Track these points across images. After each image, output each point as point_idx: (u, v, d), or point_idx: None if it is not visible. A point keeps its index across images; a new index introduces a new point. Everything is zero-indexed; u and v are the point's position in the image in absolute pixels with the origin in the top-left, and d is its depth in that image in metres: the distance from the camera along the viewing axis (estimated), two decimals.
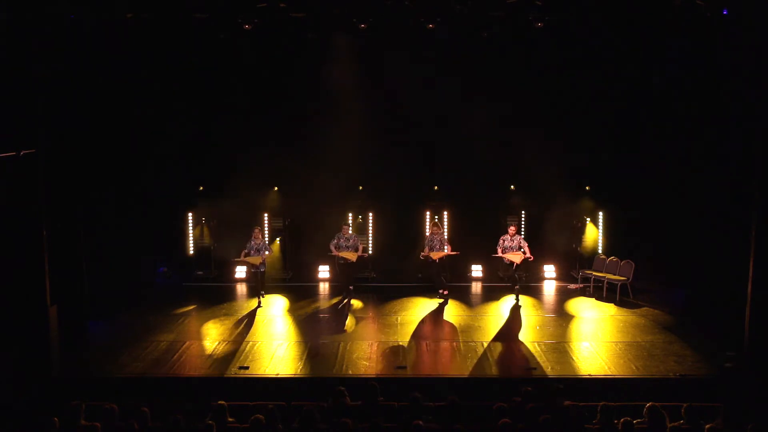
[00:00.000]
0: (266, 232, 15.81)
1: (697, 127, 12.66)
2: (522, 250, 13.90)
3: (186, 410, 8.07)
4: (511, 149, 15.35)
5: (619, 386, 10.00)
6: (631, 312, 13.49)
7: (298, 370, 10.58)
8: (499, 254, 14.09)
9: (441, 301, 14.10)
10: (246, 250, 14.00)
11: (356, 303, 14.17)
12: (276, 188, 16.21)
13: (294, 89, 15.45)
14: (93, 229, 12.64)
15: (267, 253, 14.11)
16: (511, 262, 14.00)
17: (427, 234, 14.65)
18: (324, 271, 15.83)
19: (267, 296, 14.44)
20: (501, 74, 14.98)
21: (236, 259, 14.54)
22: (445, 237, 14.79)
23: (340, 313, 13.56)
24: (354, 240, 14.50)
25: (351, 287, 14.50)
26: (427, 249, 14.21)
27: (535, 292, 15.02)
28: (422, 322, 12.98)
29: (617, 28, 13.17)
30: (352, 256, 14.28)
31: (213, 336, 12.14)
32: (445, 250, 14.19)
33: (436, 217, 15.90)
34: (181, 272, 15.98)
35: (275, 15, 12.33)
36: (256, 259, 13.88)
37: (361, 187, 16.23)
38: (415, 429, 7.53)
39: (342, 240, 14.34)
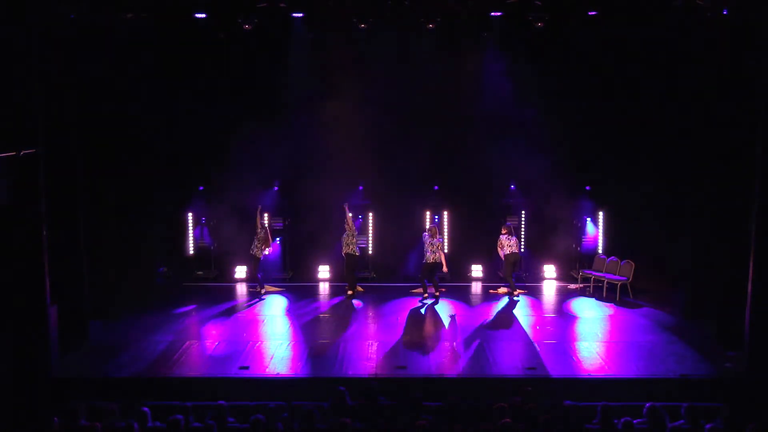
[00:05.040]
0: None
1: (697, 127, 12.64)
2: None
3: (186, 410, 8.06)
4: (512, 149, 15.33)
5: (619, 386, 9.99)
6: (631, 312, 13.49)
7: (298, 370, 10.58)
8: (500, 250, 14.38)
9: (429, 300, 14.14)
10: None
11: (356, 303, 14.18)
12: (276, 188, 16.20)
13: (294, 89, 15.43)
14: (93, 228, 12.63)
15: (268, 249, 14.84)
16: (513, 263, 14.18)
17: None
18: (324, 271, 15.82)
19: (268, 297, 14.56)
20: (501, 73, 14.99)
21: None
22: (431, 243, 14.09)
23: (340, 313, 13.56)
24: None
25: (350, 291, 14.49)
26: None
27: (535, 292, 15.02)
28: (422, 322, 12.98)
29: (617, 27, 13.18)
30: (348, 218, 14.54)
31: (213, 336, 12.13)
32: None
33: (436, 217, 15.92)
34: (181, 272, 15.97)
35: (275, 15, 12.34)
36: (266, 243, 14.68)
37: (361, 187, 16.22)
38: (415, 429, 7.53)
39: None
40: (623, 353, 11.24)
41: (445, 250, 14.96)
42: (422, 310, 13.64)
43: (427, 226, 14.89)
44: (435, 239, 14.06)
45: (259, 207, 14.84)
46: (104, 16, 11.75)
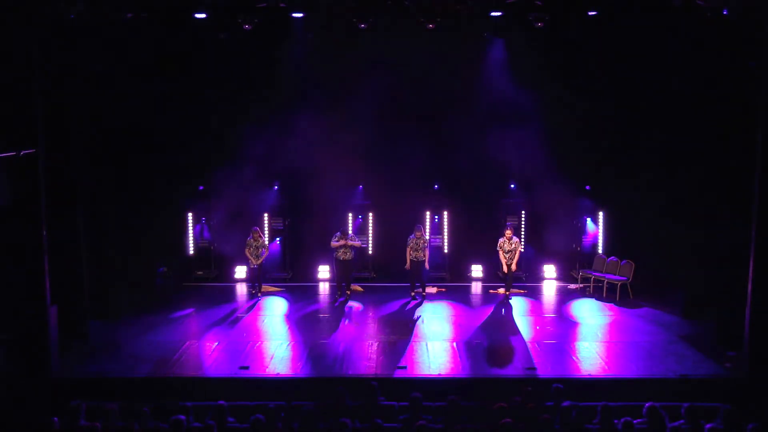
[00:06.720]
0: (266, 232, 15.80)
1: (697, 126, 12.63)
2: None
3: (186, 410, 8.06)
4: (512, 149, 15.33)
5: (619, 386, 9.99)
6: (631, 312, 13.50)
7: (298, 370, 10.58)
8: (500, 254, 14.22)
9: (416, 298, 14.29)
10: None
11: (356, 303, 14.18)
12: (276, 188, 16.20)
13: (294, 89, 15.43)
14: (93, 229, 12.63)
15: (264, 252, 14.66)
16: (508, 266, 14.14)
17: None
18: (324, 271, 15.82)
19: (267, 297, 14.58)
20: (501, 74, 14.99)
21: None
22: (420, 243, 14.30)
23: (340, 313, 13.56)
24: (355, 238, 14.67)
25: (348, 292, 14.49)
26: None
27: (535, 292, 15.02)
28: (422, 321, 12.97)
29: (616, 27, 13.17)
30: (356, 244, 14.48)
31: (213, 336, 12.13)
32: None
33: (436, 217, 15.92)
34: (181, 272, 15.96)
35: (275, 15, 12.33)
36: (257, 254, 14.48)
37: (360, 187, 16.22)
38: (415, 429, 7.52)
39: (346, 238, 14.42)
40: (623, 353, 11.24)
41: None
42: (422, 310, 13.63)
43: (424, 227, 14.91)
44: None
45: None
46: (104, 15, 11.73)
